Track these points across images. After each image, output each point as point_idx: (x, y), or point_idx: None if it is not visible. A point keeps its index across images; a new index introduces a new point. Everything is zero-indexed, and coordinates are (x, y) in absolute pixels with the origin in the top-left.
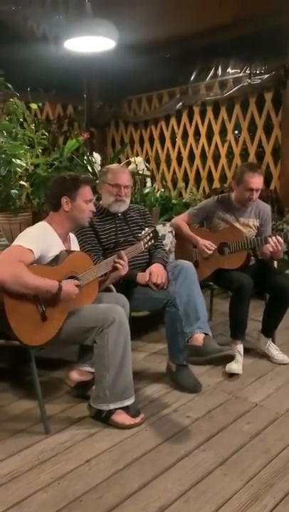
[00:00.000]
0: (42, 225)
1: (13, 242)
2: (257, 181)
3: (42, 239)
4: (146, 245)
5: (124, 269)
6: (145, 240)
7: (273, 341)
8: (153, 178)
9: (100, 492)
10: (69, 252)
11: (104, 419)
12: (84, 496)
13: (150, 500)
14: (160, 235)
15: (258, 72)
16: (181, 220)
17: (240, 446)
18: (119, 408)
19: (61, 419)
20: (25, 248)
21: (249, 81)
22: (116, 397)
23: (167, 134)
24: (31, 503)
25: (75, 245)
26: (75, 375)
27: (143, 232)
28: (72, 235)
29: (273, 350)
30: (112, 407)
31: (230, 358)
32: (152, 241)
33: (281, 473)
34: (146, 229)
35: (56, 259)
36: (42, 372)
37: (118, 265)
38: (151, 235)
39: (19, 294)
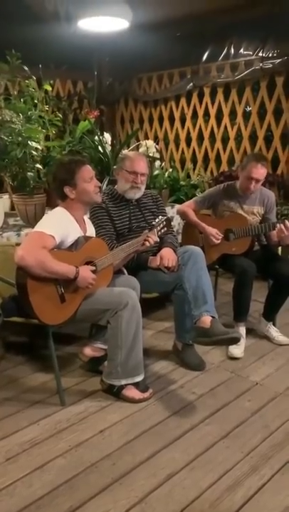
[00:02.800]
0: (61, 211)
1: (34, 228)
2: (258, 172)
3: (62, 225)
4: (159, 233)
5: (152, 242)
6: (158, 228)
7: (274, 324)
8: (161, 158)
9: (113, 459)
10: (87, 238)
11: (115, 393)
12: (99, 463)
13: (159, 467)
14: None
15: (270, 55)
16: (187, 207)
17: (242, 422)
18: (130, 384)
19: (75, 392)
20: (48, 234)
21: (261, 65)
22: (127, 374)
23: (177, 114)
24: (52, 468)
25: (90, 228)
26: (89, 351)
27: (157, 220)
28: (87, 219)
29: (274, 332)
30: (123, 382)
31: (236, 340)
32: (165, 229)
33: (279, 447)
34: (160, 217)
35: (75, 245)
36: (56, 347)
37: (150, 239)
38: (164, 223)
39: (41, 277)
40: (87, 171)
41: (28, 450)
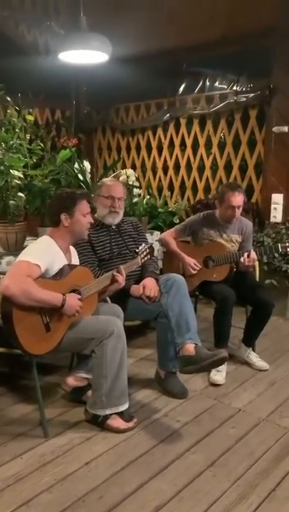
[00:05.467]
0: (46, 240)
1: (19, 257)
2: (238, 199)
3: (48, 254)
4: (143, 260)
5: (122, 282)
6: (142, 256)
7: (253, 349)
8: (139, 186)
9: (100, 492)
10: (72, 266)
11: (100, 423)
12: (86, 496)
13: (147, 499)
14: None
15: (243, 90)
16: (168, 235)
17: (227, 449)
18: (114, 413)
19: (58, 423)
20: (33, 263)
21: (235, 98)
22: (112, 403)
23: (154, 144)
24: (38, 503)
25: (75, 257)
26: (72, 381)
27: (140, 248)
28: (72, 248)
29: (253, 357)
30: (107, 412)
31: (224, 360)
32: (148, 256)
33: (264, 474)
34: (144, 244)
35: (60, 273)
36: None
37: (118, 278)
38: (147, 250)
39: (26, 306)
40: (86, 206)
41: (12, 485)
